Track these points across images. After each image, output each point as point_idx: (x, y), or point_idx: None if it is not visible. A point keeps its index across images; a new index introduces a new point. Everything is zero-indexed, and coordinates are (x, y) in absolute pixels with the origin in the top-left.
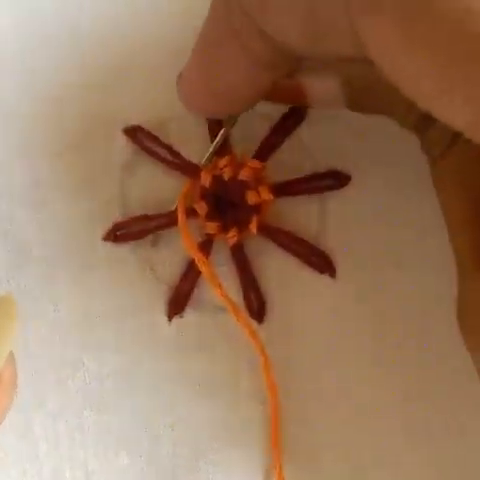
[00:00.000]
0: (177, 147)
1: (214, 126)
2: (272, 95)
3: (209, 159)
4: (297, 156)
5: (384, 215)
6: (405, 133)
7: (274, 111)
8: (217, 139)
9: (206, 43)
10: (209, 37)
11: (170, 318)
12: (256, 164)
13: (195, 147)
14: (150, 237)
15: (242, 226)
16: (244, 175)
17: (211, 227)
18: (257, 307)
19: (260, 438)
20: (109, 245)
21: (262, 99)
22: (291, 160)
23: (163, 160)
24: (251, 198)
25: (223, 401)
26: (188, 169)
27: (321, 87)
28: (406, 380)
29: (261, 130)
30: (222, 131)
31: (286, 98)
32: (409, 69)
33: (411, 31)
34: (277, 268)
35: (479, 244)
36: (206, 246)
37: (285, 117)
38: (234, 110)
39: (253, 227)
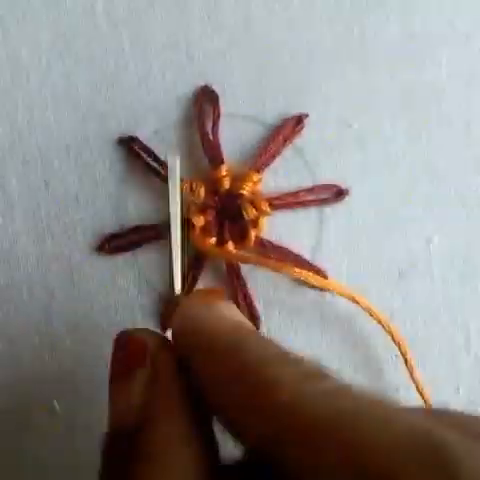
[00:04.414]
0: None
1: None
2: None
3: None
4: (294, 167)
5: (383, 229)
6: None
7: (270, 118)
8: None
9: None
10: None
11: (164, 330)
12: (255, 176)
13: (188, 156)
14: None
15: (238, 240)
16: (243, 188)
17: (207, 240)
18: (250, 321)
19: None
20: (104, 256)
21: None
22: (288, 171)
23: (156, 174)
24: (248, 212)
25: None
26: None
27: None
28: None
29: (257, 136)
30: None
31: None
32: None
33: None
34: (271, 283)
35: None
36: (199, 260)
37: (285, 124)
38: None
39: (250, 241)
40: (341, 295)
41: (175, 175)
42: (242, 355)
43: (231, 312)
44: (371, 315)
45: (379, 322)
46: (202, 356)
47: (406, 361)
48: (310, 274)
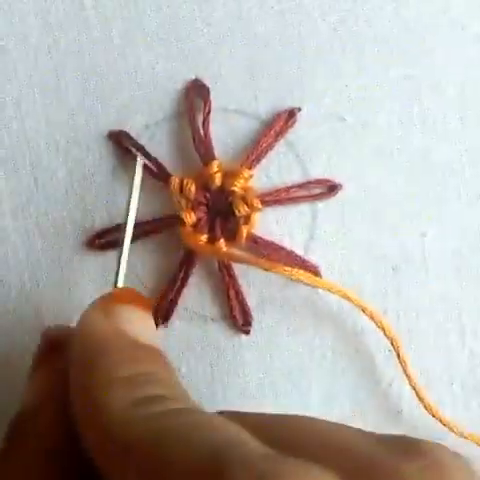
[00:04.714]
0: (162, 150)
1: None
2: None
3: None
4: (286, 162)
5: (377, 224)
6: None
7: (262, 112)
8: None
9: None
10: None
11: (156, 327)
12: (247, 172)
13: (179, 151)
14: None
15: (230, 237)
16: (235, 185)
17: (198, 237)
18: (243, 320)
19: None
20: (95, 252)
21: None
22: (280, 166)
23: (146, 170)
24: (240, 208)
25: None
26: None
27: None
28: None
29: (249, 130)
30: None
31: None
32: None
33: None
34: (263, 279)
35: None
36: (191, 257)
37: (277, 119)
38: None
39: (241, 238)
40: (332, 292)
41: (137, 181)
42: (90, 374)
43: (134, 325)
44: (363, 311)
45: (371, 318)
46: (69, 365)
47: (398, 356)
48: (301, 272)
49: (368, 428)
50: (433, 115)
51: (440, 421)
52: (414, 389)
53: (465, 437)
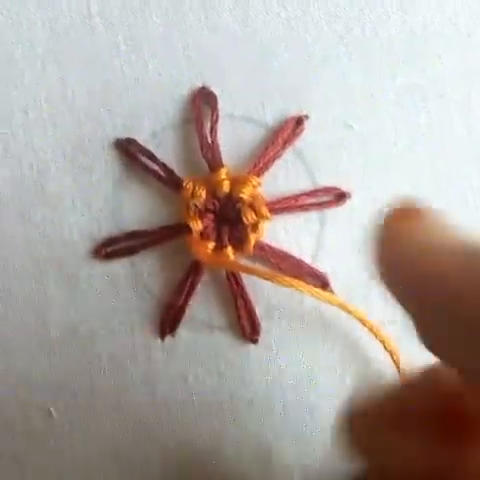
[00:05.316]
0: (169, 157)
1: None
2: None
3: None
4: (294, 170)
5: None
6: None
7: (269, 118)
8: None
9: None
10: None
11: (162, 337)
12: (255, 180)
13: (186, 158)
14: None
15: (237, 245)
16: (243, 192)
17: (205, 245)
18: (251, 329)
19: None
20: (101, 261)
21: None
22: (288, 174)
23: (155, 176)
24: (248, 216)
25: None
26: (180, 186)
27: None
28: None
29: (255, 138)
30: None
31: None
32: None
33: None
34: (271, 288)
35: None
36: (198, 266)
37: (285, 126)
38: None
39: (249, 246)
40: (332, 305)
41: None
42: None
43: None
44: (363, 324)
45: (370, 330)
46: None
47: (399, 370)
48: (301, 283)
49: None
50: (440, 123)
51: None
52: None
53: None
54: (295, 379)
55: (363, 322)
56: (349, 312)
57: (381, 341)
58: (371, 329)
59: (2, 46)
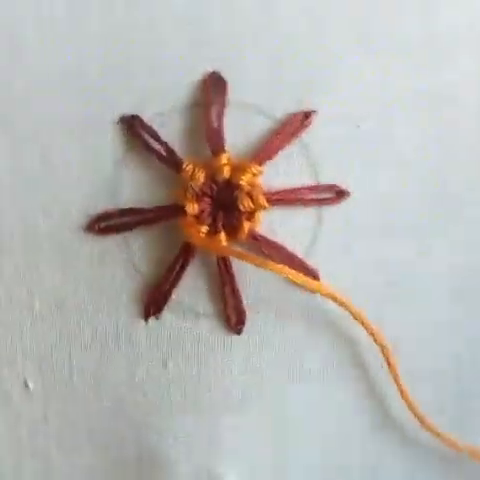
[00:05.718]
0: (173, 138)
1: None
2: None
3: None
4: (297, 163)
5: (380, 235)
6: None
7: (278, 111)
8: None
9: None
10: None
11: (147, 318)
12: (256, 168)
13: (190, 141)
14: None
15: (231, 231)
16: (242, 179)
17: (199, 228)
18: (236, 318)
19: None
20: (95, 236)
21: None
22: (290, 167)
23: (157, 155)
24: (244, 203)
25: None
26: (180, 168)
27: None
28: None
29: (262, 128)
30: None
31: None
32: None
33: None
34: (260, 278)
35: None
36: (190, 249)
37: (292, 119)
38: None
39: (243, 233)
40: (322, 295)
41: None
42: None
43: None
44: (354, 316)
45: (362, 323)
46: None
47: (389, 365)
48: (298, 275)
49: (363, 428)
50: (452, 128)
51: (435, 434)
52: (406, 401)
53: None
54: (276, 372)
55: (354, 314)
56: (336, 301)
57: (372, 335)
58: (362, 323)
59: (14, 18)
